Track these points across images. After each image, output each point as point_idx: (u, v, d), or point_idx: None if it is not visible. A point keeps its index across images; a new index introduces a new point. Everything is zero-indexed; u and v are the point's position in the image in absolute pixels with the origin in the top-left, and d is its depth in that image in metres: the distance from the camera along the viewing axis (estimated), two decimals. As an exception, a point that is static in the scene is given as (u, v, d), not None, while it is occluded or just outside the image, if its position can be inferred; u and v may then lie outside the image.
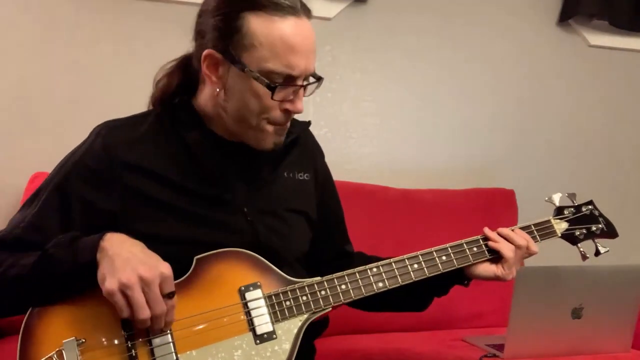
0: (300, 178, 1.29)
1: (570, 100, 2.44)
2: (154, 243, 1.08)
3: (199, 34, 1.15)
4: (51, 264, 1.02)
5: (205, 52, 1.11)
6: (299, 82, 1.11)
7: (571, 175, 2.44)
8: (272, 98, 1.09)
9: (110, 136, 1.16)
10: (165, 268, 0.99)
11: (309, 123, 1.32)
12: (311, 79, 1.15)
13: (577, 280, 1.44)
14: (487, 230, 1.27)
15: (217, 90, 1.14)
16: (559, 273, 1.44)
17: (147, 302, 0.97)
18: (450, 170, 2.31)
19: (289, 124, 1.18)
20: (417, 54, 2.27)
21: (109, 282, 0.96)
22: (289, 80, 1.10)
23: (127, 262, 0.97)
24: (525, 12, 2.35)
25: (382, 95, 2.25)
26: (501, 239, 1.25)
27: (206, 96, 1.18)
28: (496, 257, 1.25)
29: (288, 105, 1.13)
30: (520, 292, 1.41)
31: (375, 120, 2.25)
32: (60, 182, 1.13)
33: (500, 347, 1.52)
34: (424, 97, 2.29)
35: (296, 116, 1.26)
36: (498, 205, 2.15)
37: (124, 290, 0.96)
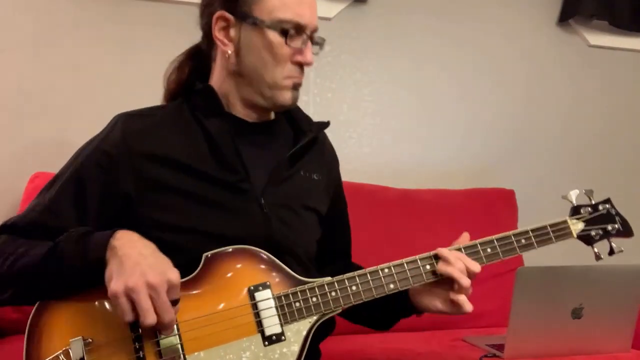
0: (316, 178, 1.29)
1: (570, 100, 2.45)
2: (165, 231, 1.10)
3: (206, 6, 1.20)
4: (60, 258, 1.01)
5: (216, 14, 1.16)
6: (308, 32, 1.17)
7: (571, 175, 2.45)
8: (285, 43, 1.14)
9: (129, 124, 1.17)
10: (174, 275, 0.97)
11: (327, 123, 1.33)
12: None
13: (577, 280, 1.44)
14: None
15: (229, 52, 1.17)
16: (559, 273, 1.44)
17: (155, 308, 0.94)
18: (450, 170, 2.31)
19: (302, 80, 1.21)
20: (417, 54, 2.27)
21: (115, 284, 0.94)
22: (299, 28, 1.16)
23: (136, 265, 0.95)
24: (525, 12, 2.36)
25: (382, 95, 2.25)
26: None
27: (218, 69, 1.21)
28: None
29: (299, 57, 1.18)
30: (520, 292, 1.41)
31: (375, 120, 2.25)
32: (77, 168, 1.14)
33: (500, 347, 1.52)
34: (424, 97, 2.29)
35: (315, 118, 1.30)
36: (498, 205, 2.16)
37: (129, 293, 0.93)
